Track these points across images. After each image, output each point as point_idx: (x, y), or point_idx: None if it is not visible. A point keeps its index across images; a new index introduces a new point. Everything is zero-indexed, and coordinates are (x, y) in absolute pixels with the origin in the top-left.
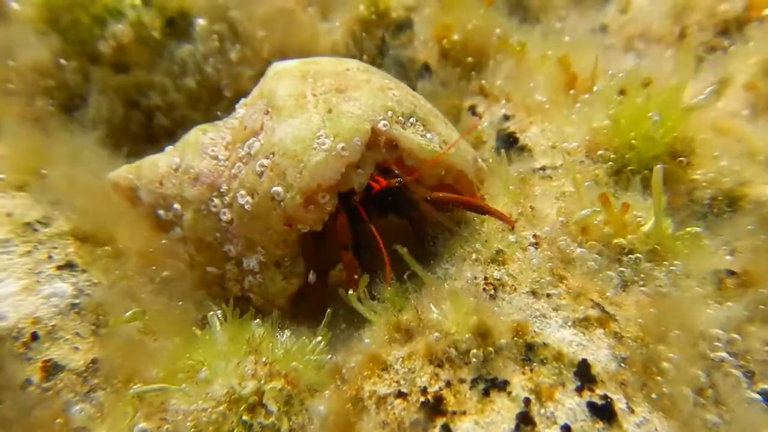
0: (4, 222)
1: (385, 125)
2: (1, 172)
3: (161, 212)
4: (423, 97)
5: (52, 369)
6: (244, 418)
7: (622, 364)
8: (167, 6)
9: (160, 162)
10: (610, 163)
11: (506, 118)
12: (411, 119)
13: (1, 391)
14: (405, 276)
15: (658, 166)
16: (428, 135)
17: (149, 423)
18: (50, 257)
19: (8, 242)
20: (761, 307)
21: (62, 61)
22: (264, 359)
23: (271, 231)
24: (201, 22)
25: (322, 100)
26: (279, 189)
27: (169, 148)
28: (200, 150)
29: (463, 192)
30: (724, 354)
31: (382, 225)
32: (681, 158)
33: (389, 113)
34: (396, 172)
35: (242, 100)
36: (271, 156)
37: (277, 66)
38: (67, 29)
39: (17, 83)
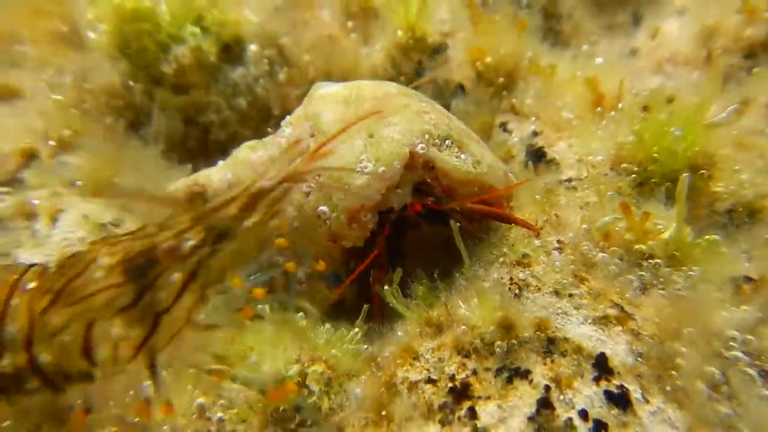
0: (82, 223)
1: (422, 148)
2: (79, 180)
3: None
4: (457, 119)
5: None
6: (291, 396)
7: (639, 359)
8: (223, 33)
9: (214, 177)
10: (634, 175)
11: (535, 134)
12: (447, 141)
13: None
14: (435, 275)
15: (685, 174)
16: (462, 156)
17: (206, 398)
18: None
19: (86, 240)
20: None
21: (130, 83)
22: (307, 346)
23: (317, 245)
24: (253, 47)
25: (364, 125)
26: (325, 208)
27: (220, 163)
28: (250, 167)
29: (495, 203)
30: (738, 353)
31: (417, 233)
32: (702, 171)
33: (426, 136)
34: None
35: (288, 118)
36: (318, 177)
37: (321, 90)
38: (136, 55)
39: (91, 103)
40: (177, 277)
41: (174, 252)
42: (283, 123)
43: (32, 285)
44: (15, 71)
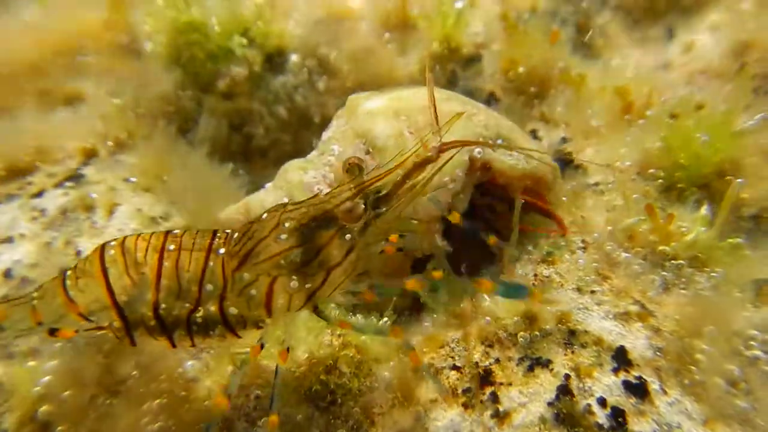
0: (135, 215)
1: (479, 153)
2: (134, 177)
3: None
4: (500, 115)
5: None
6: (322, 377)
7: (658, 353)
8: (267, 44)
9: (268, 200)
10: (660, 180)
11: (564, 140)
12: (498, 141)
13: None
14: (462, 269)
15: (738, 180)
16: (515, 153)
17: (245, 378)
18: None
19: (138, 231)
20: None
21: (180, 91)
22: (338, 333)
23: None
24: (294, 57)
25: (420, 137)
26: None
27: (269, 186)
28: (306, 190)
29: (542, 190)
30: (759, 352)
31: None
32: (729, 177)
33: (480, 139)
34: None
35: (330, 134)
36: None
37: (365, 105)
38: (187, 64)
39: (146, 108)
40: (348, 237)
41: (351, 212)
42: (325, 138)
43: (222, 250)
44: (79, 79)
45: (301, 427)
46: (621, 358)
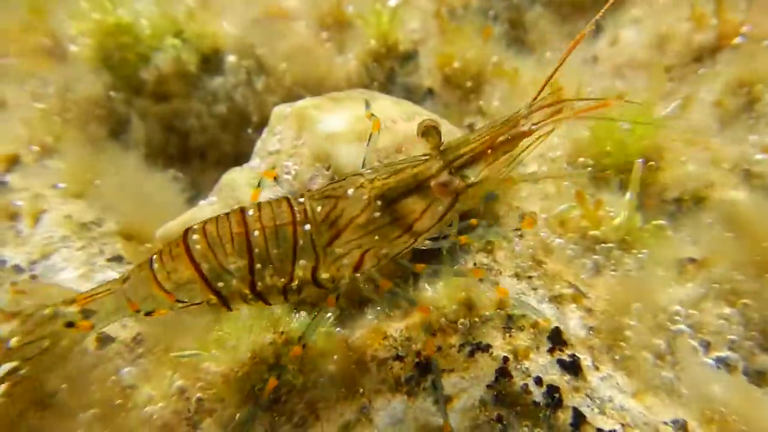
0: (64, 222)
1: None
2: (62, 182)
3: None
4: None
5: (104, 340)
6: (265, 376)
7: (591, 332)
8: (202, 45)
9: None
10: (590, 168)
11: None
12: None
13: (65, 355)
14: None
15: (638, 160)
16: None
17: (185, 381)
18: (101, 251)
19: (68, 239)
20: (714, 285)
21: (112, 93)
22: (281, 330)
23: None
24: (231, 58)
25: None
26: None
27: (215, 201)
28: None
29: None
30: (682, 326)
31: None
32: (652, 163)
33: None
34: None
35: (277, 146)
36: None
37: (323, 126)
38: (117, 66)
39: (74, 112)
40: (440, 208)
41: (447, 186)
42: (272, 148)
43: (308, 227)
44: None
45: (245, 426)
46: (556, 339)
